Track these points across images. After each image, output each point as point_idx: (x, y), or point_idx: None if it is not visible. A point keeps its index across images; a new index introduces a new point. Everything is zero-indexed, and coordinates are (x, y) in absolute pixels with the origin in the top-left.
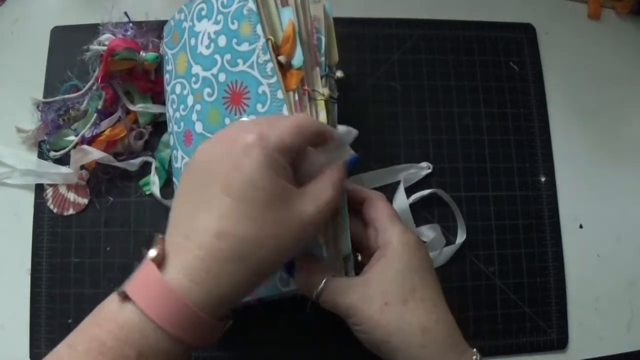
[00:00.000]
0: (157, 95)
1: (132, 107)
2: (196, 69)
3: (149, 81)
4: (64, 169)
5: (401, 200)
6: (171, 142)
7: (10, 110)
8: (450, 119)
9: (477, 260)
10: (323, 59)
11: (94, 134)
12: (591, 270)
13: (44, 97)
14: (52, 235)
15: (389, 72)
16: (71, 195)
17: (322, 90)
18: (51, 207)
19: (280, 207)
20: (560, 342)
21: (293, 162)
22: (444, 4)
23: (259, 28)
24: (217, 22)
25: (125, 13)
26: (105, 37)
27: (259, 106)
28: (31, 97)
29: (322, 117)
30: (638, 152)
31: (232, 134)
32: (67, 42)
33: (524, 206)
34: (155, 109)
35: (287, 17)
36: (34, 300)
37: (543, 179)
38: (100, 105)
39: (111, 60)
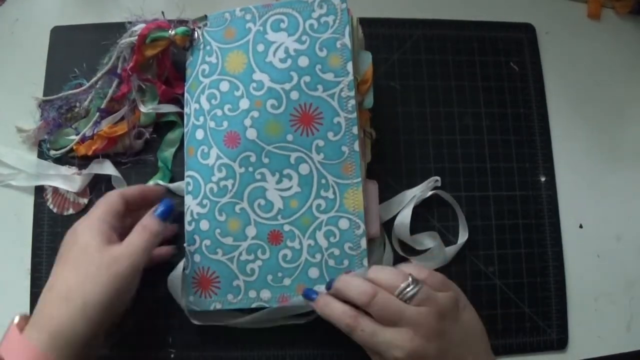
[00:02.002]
0: (169, 99)
1: (143, 109)
2: (260, 76)
3: (173, 83)
4: (63, 170)
5: (406, 215)
6: (198, 136)
7: (10, 110)
8: (451, 119)
9: (477, 260)
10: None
11: (94, 132)
12: (591, 270)
13: (45, 96)
14: (52, 235)
15: (389, 72)
16: (71, 195)
17: (371, 130)
18: (51, 206)
19: (93, 256)
20: (560, 342)
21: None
22: (444, 4)
23: (349, 65)
24: (301, 42)
25: (162, 12)
26: (139, 27)
27: (330, 134)
28: (34, 97)
29: (368, 154)
30: (638, 152)
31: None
32: (67, 42)
33: (524, 206)
34: (166, 108)
35: (367, 61)
36: (34, 300)
37: (543, 179)
38: (104, 104)
39: (144, 46)
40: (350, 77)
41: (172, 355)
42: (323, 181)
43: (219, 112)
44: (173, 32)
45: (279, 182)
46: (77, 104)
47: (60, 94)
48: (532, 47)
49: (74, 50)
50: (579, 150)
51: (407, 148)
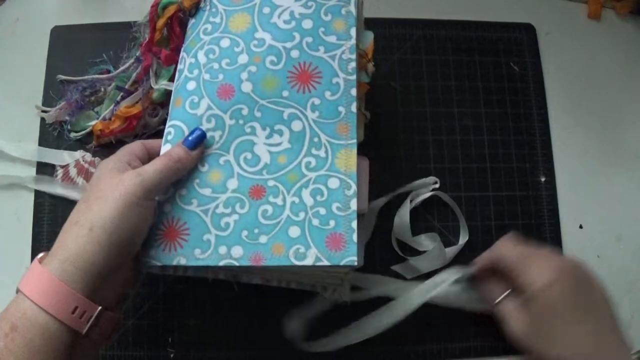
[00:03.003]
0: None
1: (155, 85)
2: (263, 35)
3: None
4: (65, 154)
5: (404, 214)
6: (189, 87)
7: (10, 110)
8: (451, 119)
9: None
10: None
11: (113, 113)
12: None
13: (44, 99)
14: (52, 235)
15: (389, 72)
16: (80, 180)
17: (366, 112)
18: (59, 182)
19: (104, 182)
20: None
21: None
22: (444, 4)
23: (353, 30)
24: (306, 7)
25: None
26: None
27: (327, 93)
28: (58, 77)
29: (361, 134)
30: (638, 152)
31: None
32: (67, 42)
33: (524, 206)
34: None
35: (369, 38)
36: None
37: (543, 179)
38: (127, 85)
39: (157, 18)
40: (353, 41)
41: (172, 355)
42: (315, 139)
43: (216, 66)
44: None
45: (269, 136)
46: (102, 89)
47: (86, 77)
48: (532, 47)
49: (74, 50)
50: (579, 151)
51: (407, 148)
